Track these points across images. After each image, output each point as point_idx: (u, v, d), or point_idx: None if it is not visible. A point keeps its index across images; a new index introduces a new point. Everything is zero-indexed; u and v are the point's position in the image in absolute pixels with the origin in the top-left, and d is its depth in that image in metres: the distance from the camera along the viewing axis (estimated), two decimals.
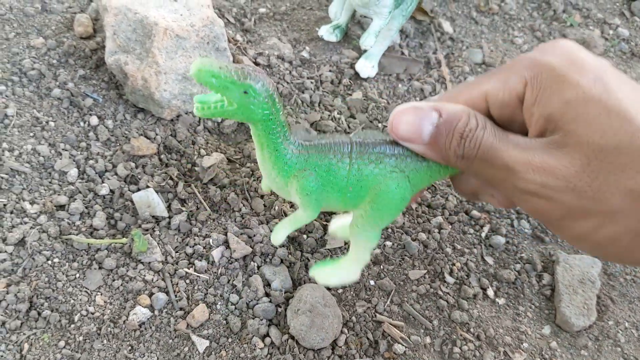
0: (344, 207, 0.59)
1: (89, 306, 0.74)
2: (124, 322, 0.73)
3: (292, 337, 0.75)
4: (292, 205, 0.88)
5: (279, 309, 0.77)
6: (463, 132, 0.52)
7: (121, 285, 0.76)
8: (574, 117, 0.48)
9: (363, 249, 0.62)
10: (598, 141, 0.47)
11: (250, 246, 0.81)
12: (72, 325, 0.72)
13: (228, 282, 0.79)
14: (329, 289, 0.80)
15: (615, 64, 1.29)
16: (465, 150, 0.52)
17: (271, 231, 0.85)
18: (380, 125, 1.02)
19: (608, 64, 0.52)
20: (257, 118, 0.52)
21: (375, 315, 0.80)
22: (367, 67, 1.09)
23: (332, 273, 0.63)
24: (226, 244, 0.82)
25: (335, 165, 0.55)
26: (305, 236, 0.86)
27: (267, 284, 0.80)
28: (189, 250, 0.80)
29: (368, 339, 0.77)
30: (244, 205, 0.87)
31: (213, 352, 0.73)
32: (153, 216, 0.82)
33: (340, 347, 0.76)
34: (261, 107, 0.52)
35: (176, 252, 0.81)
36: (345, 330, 0.78)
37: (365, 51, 1.10)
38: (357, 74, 1.09)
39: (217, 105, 0.52)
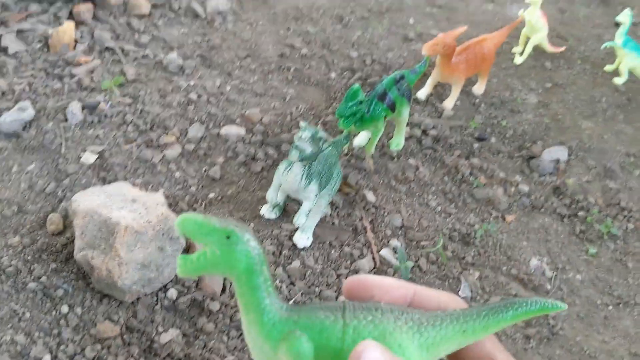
0: None
1: None
2: None
3: None
4: None
5: None
6: None
7: None
8: None
9: None
10: None
11: None
12: None
13: None
14: None
15: (518, 217, 1.51)
16: None
17: None
18: (317, 289, 1.19)
19: None
20: (242, 267, 0.48)
21: None
22: (302, 239, 1.27)
23: None
24: None
25: (328, 325, 0.48)
26: None
27: None
28: None
29: None
30: None
31: None
32: None
33: None
34: (245, 254, 0.48)
35: None
36: None
37: None
38: (295, 245, 1.27)
39: (200, 257, 0.48)
